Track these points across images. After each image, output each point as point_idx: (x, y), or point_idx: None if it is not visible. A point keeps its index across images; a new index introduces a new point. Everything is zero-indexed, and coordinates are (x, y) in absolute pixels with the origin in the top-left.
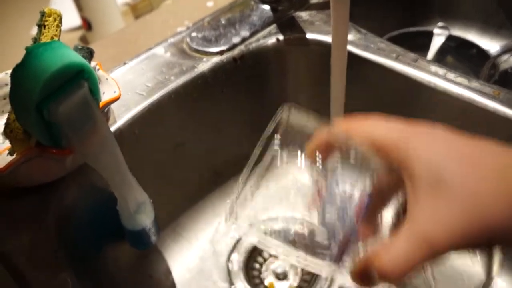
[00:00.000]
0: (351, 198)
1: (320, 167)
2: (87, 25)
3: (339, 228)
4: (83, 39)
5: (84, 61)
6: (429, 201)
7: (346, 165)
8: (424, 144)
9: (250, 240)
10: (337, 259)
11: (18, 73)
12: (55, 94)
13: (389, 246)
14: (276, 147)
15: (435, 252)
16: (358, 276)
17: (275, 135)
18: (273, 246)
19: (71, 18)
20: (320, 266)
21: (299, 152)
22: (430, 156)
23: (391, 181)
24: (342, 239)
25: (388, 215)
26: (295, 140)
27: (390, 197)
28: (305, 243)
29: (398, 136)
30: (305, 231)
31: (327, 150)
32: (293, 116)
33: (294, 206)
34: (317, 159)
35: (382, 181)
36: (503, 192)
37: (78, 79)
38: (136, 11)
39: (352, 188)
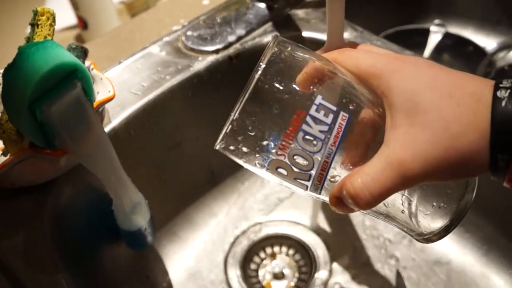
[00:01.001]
0: (332, 121)
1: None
2: (82, 24)
3: (318, 151)
4: (79, 38)
5: (77, 60)
6: (404, 128)
7: (330, 93)
8: (406, 74)
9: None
10: (317, 183)
11: (10, 73)
12: (48, 94)
13: (362, 169)
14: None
15: (407, 178)
16: (334, 200)
17: (259, 64)
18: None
19: (67, 17)
20: (301, 190)
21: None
22: (410, 86)
23: (379, 112)
24: (321, 162)
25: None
26: (280, 72)
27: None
28: (286, 162)
29: (383, 65)
30: (286, 150)
31: (317, 79)
32: (281, 47)
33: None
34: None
35: (368, 110)
36: (474, 123)
37: (71, 79)
38: (132, 10)
39: (334, 113)
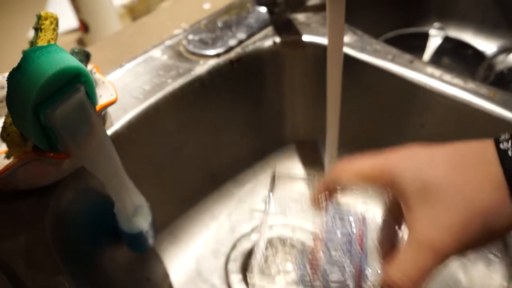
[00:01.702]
0: (351, 229)
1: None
2: (84, 27)
3: (348, 262)
4: (80, 41)
5: (80, 64)
6: (422, 209)
7: (340, 206)
8: (405, 162)
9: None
10: None
11: (15, 77)
12: (52, 98)
13: (396, 259)
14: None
15: (441, 255)
16: None
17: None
18: None
19: (68, 20)
20: None
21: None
22: (413, 170)
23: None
24: (354, 271)
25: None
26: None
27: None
28: (322, 284)
29: (382, 164)
30: (318, 273)
31: (328, 195)
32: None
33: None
34: (322, 204)
35: (388, 207)
36: (486, 180)
37: (75, 83)
38: (133, 13)
39: (350, 220)
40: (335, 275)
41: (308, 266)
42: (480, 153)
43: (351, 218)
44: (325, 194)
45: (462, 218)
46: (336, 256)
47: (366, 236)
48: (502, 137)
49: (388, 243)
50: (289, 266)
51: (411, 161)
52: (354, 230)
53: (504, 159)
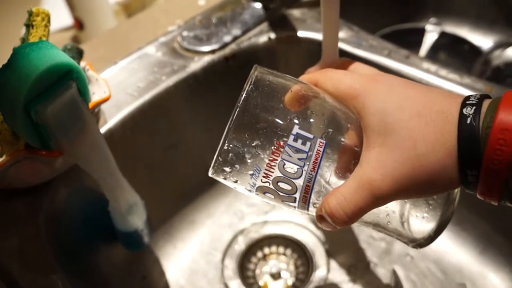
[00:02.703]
0: (311, 146)
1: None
2: (79, 24)
3: (301, 176)
4: (75, 38)
5: (72, 61)
6: (376, 148)
7: (307, 122)
8: (379, 95)
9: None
10: (303, 204)
11: (5, 74)
12: (43, 95)
13: (338, 190)
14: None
15: (378, 198)
16: (318, 218)
17: (241, 94)
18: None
19: (63, 18)
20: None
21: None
22: (382, 106)
23: (358, 133)
24: (304, 186)
25: None
26: (261, 103)
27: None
28: (273, 188)
29: (359, 86)
30: (270, 179)
31: (301, 101)
32: (263, 75)
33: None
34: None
35: (350, 132)
36: (441, 141)
37: (66, 79)
38: (128, 10)
39: (311, 140)
40: (285, 185)
41: (262, 170)
42: (445, 110)
43: (311, 138)
44: (301, 97)
45: (407, 172)
46: (290, 170)
47: (321, 159)
48: (471, 99)
49: (342, 170)
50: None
51: (384, 99)
52: (312, 151)
53: (462, 125)
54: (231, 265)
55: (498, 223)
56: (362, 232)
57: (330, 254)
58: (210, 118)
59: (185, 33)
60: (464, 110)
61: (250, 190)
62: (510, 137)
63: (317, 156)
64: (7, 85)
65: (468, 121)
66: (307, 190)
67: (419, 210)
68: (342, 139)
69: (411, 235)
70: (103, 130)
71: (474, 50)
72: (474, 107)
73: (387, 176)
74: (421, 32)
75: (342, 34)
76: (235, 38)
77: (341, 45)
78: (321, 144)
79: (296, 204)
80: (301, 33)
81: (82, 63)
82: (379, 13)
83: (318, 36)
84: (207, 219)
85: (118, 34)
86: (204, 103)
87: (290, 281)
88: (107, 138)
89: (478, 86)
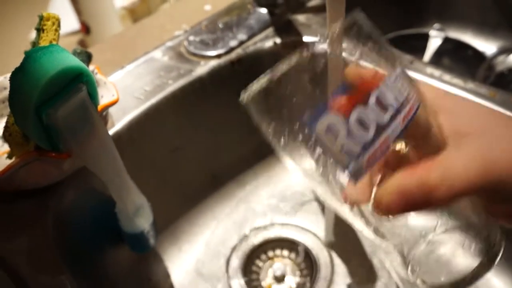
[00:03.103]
0: (406, 99)
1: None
2: (85, 29)
3: (388, 123)
4: (81, 42)
5: (82, 64)
6: (486, 136)
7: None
8: (454, 101)
9: None
10: (366, 165)
11: (17, 77)
12: (54, 97)
13: (444, 162)
14: None
15: (489, 176)
16: (394, 197)
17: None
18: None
19: (69, 22)
20: (332, 176)
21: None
22: (459, 112)
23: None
24: (382, 139)
25: None
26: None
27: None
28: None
29: (437, 89)
30: (348, 114)
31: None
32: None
33: None
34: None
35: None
36: None
37: (77, 83)
38: (134, 15)
39: (409, 92)
40: (361, 128)
41: (346, 92)
42: None
43: (409, 89)
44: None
45: (479, 167)
46: (380, 109)
47: (411, 118)
48: None
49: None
50: None
51: (461, 105)
52: (408, 102)
53: None
54: (235, 268)
55: (502, 226)
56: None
57: (334, 257)
58: (216, 122)
59: (191, 38)
60: None
61: (308, 123)
62: None
63: (411, 110)
64: (19, 88)
65: None
66: (383, 146)
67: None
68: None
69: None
70: (110, 133)
71: (478, 56)
72: None
73: (504, 155)
74: (425, 38)
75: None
76: (241, 43)
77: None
78: (415, 102)
79: (354, 163)
80: (306, 38)
81: (91, 67)
82: (383, 19)
83: None
84: (212, 221)
85: (125, 39)
86: (210, 107)
87: (294, 285)
88: (114, 141)
89: (482, 91)
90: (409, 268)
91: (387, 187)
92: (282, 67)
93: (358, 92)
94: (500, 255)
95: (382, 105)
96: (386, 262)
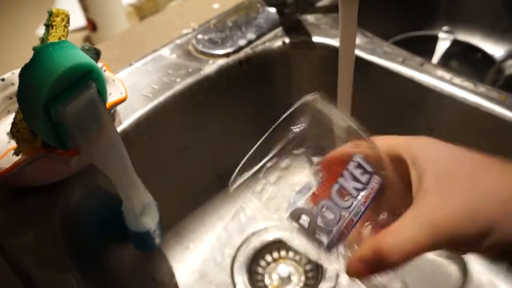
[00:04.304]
0: (366, 183)
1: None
2: (92, 25)
3: (350, 207)
4: (88, 39)
5: (92, 61)
6: (436, 193)
7: (367, 157)
8: (435, 145)
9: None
10: (335, 241)
11: (27, 73)
12: (63, 94)
13: (393, 229)
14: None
15: (437, 237)
16: (357, 265)
17: (292, 128)
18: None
19: (76, 19)
20: (311, 248)
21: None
22: (441, 154)
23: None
24: (347, 220)
25: None
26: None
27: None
28: (312, 213)
29: (412, 142)
30: (316, 204)
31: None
32: (319, 106)
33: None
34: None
35: (394, 178)
36: (503, 190)
37: (86, 80)
38: (141, 13)
39: (370, 174)
40: (329, 213)
41: (313, 189)
42: (503, 165)
43: (371, 171)
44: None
45: (467, 214)
46: (342, 196)
47: (374, 196)
48: None
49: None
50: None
51: (442, 149)
52: (368, 185)
53: None
54: (240, 268)
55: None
56: None
57: None
58: (223, 121)
59: (200, 36)
60: None
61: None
62: None
63: (371, 191)
64: (29, 84)
65: None
66: (349, 225)
67: None
68: (392, 184)
69: None
70: (118, 130)
71: (487, 59)
72: None
73: (448, 216)
74: (434, 40)
75: (357, 40)
76: (250, 42)
77: (356, 51)
78: (377, 180)
79: (327, 240)
80: (315, 39)
81: (99, 64)
82: (391, 20)
83: (332, 41)
84: (218, 221)
85: (133, 36)
86: (218, 106)
87: (299, 286)
88: (121, 138)
89: (492, 95)
90: None
91: (353, 255)
92: None
93: (322, 186)
94: None
95: (342, 194)
96: None
